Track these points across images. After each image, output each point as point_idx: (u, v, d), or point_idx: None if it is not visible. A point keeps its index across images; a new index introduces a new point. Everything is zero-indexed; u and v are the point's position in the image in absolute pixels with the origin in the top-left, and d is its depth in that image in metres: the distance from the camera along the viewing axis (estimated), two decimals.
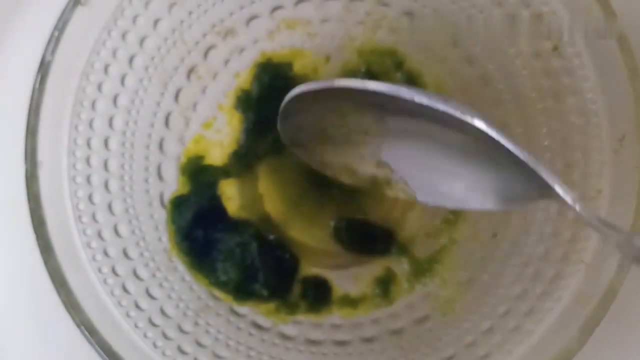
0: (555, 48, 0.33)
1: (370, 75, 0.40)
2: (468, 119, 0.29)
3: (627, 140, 0.31)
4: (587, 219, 0.27)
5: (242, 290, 0.37)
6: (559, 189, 0.28)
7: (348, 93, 0.32)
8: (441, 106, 0.29)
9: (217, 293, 0.37)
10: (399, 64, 0.40)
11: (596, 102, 0.32)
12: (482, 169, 0.33)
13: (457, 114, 0.29)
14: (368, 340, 0.36)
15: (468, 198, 0.34)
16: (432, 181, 0.35)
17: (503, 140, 0.29)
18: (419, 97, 0.30)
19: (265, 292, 0.38)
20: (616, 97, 0.31)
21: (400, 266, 0.39)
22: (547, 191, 0.28)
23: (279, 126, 0.37)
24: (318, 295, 0.38)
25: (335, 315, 0.38)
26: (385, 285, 0.39)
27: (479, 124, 0.29)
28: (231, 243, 0.38)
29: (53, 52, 0.32)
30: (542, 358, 0.30)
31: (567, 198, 0.28)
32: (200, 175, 0.39)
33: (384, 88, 0.30)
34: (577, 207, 0.27)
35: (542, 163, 0.29)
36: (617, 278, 0.29)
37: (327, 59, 0.40)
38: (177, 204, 0.38)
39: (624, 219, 0.30)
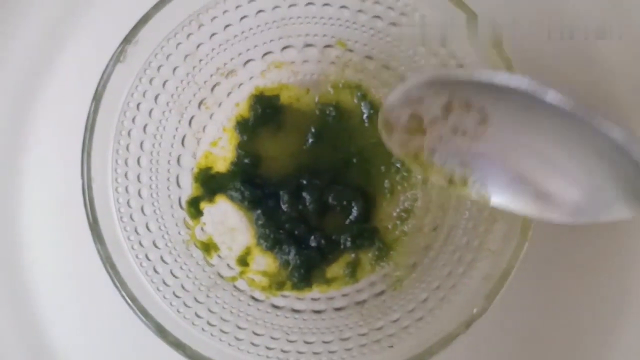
0: None
1: (339, 104, 0.49)
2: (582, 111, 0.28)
3: None
4: None
5: None
6: None
7: (464, 87, 0.32)
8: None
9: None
10: (363, 96, 0.49)
11: None
12: (565, 179, 0.31)
13: (567, 106, 0.28)
14: (338, 309, 0.46)
15: (544, 207, 0.33)
16: (510, 187, 0.35)
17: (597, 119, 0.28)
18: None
19: None
20: None
21: (366, 253, 0.49)
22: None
23: (383, 109, 0.38)
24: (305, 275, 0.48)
25: (314, 291, 0.48)
26: (354, 267, 0.49)
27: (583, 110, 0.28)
28: None
29: (99, 100, 0.41)
30: (460, 318, 0.40)
31: None
32: (209, 181, 0.50)
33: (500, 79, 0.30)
34: None
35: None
36: (512, 262, 0.39)
37: (307, 91, 0.49)
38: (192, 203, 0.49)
39: None
